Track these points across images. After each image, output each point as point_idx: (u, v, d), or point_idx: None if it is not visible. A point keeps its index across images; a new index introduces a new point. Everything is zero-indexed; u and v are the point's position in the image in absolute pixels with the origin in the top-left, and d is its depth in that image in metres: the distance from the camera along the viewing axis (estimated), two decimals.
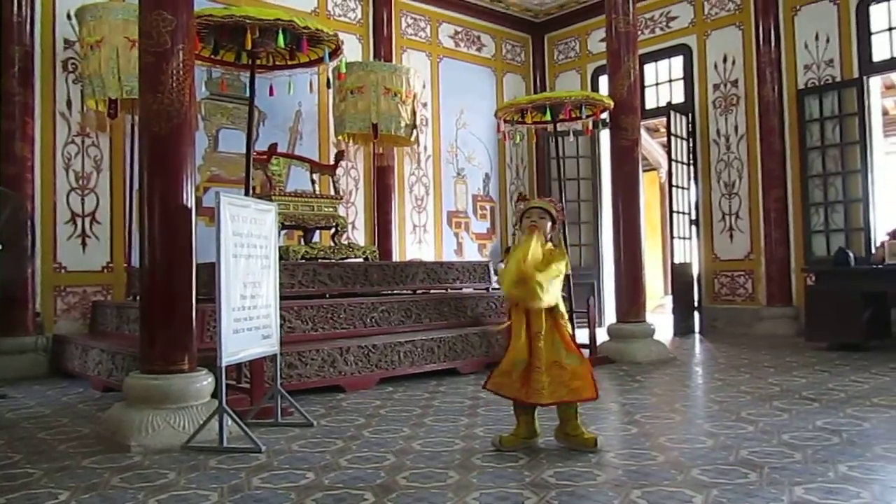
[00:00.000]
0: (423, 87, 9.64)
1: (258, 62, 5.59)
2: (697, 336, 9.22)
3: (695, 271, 9.84)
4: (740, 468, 3.15)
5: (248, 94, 5.60)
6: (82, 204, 7.28)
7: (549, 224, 3.72)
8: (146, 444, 3.74)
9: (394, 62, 9.37)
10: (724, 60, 9.69)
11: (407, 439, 3.86)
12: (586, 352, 7.01)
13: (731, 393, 5.07)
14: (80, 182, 7.28)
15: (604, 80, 10.37)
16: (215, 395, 3.99)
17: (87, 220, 7.29)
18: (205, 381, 4.08)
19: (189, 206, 4.10)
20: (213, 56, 5.75)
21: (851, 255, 7.43)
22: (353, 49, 9.10)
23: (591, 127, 7.82)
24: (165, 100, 4.03)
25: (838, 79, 8.67)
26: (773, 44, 9.09)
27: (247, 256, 4.07)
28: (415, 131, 8.32)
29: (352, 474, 3.20)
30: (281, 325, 4.57)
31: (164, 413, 3.87)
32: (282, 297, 4.63)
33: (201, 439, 3.79)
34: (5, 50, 6.74)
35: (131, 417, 3.88)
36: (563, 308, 3.68)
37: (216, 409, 3.81)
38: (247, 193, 5.45)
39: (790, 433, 3.78)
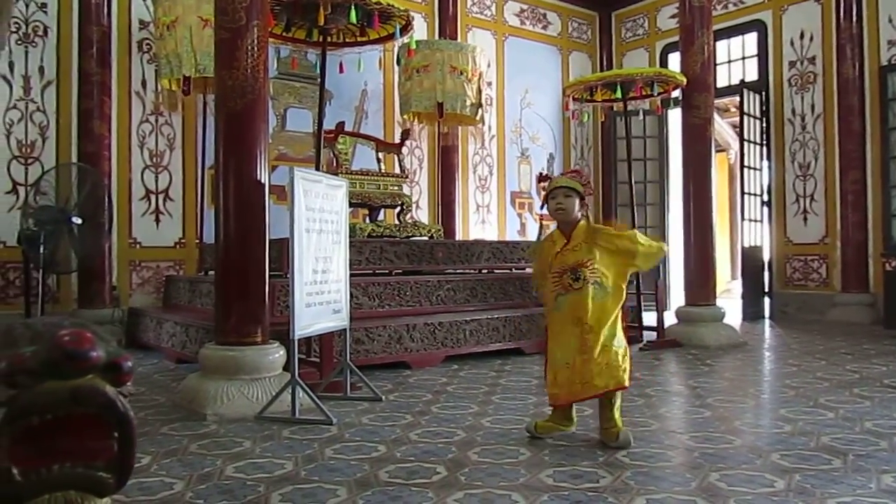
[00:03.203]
0: (488, 66, 9.55)
1: (329, 39, 5.62)
2: (767, 321, 8.97)
3: (765, 255, 9.56)
4: (823, 454, 3.04)
5: (317, 73, 5.62)
6: (156, 181, 7.48)
7: (578, 201, 3.42)
8: (221, 413, 3.84)
9: (459, 41, 9.31)
10: (801, 37, 9.32)
11: (476, 416, 3.86)
12: (653, 334, 6.93)
13: (808, 379, 4.91)
14: (154, 160, 7.47)
15: (673, 59, 10.15)
16: (286, 368, 4.07)
17: (161, 196, 7.49)
18: (277, 353, 4.16)
19: (263, 181, 4.17)
20: (284, 34, 5.80)
21: None
22: (418, 28, 9.02)
23: (660, 105, 7.64)
24: (240, 76, 4.09)
25: None
26: (854, 19, 8.70)
27: (318, 231, 4.11)
28: (480, 110, 8.25)
29: (423, 448, 3.22)
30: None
31: (239, 384, 3.97)
32: (350, 274, 4.67)
33: (274, 410, 3.86)
34: (84, 31, 6.95)
35: (207, 387, 3.98)
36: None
37: (289, 380, 3.88)
38: (317, 171, 5.50)
39: (874, 421, 3.64)
